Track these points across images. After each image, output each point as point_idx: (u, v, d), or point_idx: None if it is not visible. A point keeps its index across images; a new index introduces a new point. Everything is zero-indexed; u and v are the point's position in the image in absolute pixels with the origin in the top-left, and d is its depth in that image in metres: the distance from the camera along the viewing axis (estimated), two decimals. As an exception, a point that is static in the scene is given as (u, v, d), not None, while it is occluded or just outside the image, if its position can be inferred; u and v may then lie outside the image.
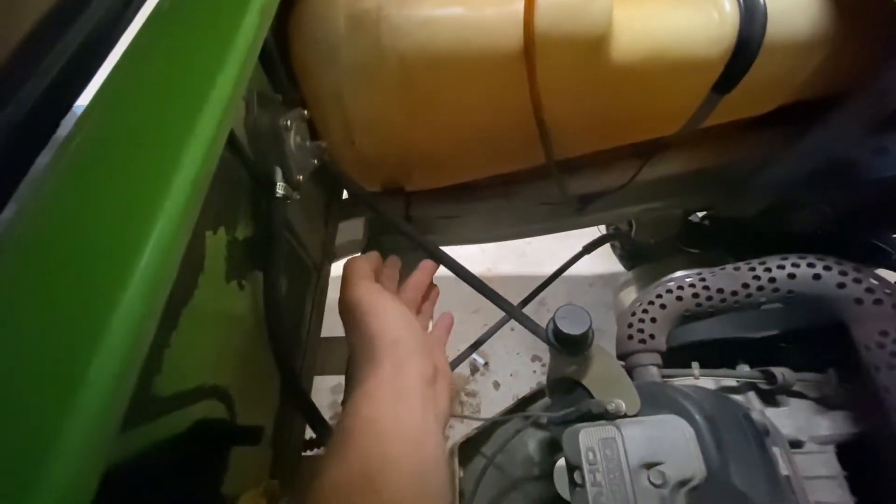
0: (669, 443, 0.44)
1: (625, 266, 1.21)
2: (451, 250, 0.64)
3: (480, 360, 1.39)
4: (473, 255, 1.62)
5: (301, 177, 0.48)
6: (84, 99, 0.32)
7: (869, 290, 0.49)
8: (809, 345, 0.65)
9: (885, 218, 0.81)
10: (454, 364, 0.83)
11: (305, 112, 0.50)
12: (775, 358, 0.64)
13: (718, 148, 0.72)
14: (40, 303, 0.22)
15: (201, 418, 0.36)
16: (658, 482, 0.42)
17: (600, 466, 0.45)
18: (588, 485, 0.44)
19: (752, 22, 0.50)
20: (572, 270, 0.94)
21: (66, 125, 0.33)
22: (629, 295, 0.88)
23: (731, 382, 0.63)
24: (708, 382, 0.64)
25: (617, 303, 0.90)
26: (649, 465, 0.43)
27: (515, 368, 1.41)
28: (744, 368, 0.63)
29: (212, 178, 0.29)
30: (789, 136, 0.67)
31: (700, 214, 1.00)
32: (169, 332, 0.35)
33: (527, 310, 0.85)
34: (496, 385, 1.38)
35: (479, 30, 0.48)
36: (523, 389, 1.43)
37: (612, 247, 1.21)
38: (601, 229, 1.06)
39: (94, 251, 0.23)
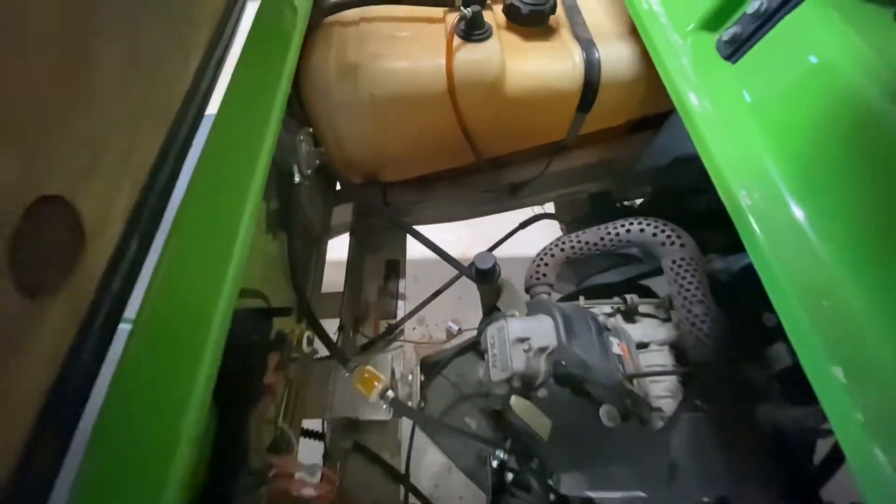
0: (536, 327, 0.73)
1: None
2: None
3: (455, 327, 1.67)
4: (451, 241, 1.91)
5: (309, 171, 0.77)
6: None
7: (668, 236, 0.78)
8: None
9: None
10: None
11: (311, 129, 0.79)
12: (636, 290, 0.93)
13: (603, 149, 1.00)
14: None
15: (259, 304, 0.64)
16: (526, 348, 0.70)
17: (495, 342, 0.73)
18: (489, 356, 0.73)
19: (591, 68, 0.78)
20: (527, 249, 1.21)
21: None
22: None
23: (607, 308, 0.91)
24: (594, 309, 0.92)
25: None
26: (522, 340, 0.72)
27: (484, 333, 1.69)
28: (614, 299, 0.91)
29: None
30: (648, 138, 0.97)
31: (638, 202, 1.28)
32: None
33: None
34: (468, 347, 1.66)
35: (418, 76, 0.77)
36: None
37: (560, 225, 1.50)
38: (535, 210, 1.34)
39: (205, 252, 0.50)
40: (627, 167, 1.03)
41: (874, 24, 0.51)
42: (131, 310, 0.46)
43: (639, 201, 1.29)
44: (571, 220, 1.33)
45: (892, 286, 0.40)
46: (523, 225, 1.17)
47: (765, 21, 0.58)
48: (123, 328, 0.44)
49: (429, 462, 1.64)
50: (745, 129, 0.55)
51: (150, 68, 0.47)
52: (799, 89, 0.52)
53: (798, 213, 0.47)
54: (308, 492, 0.48)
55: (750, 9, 0.59)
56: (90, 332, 0.38)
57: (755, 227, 0.48)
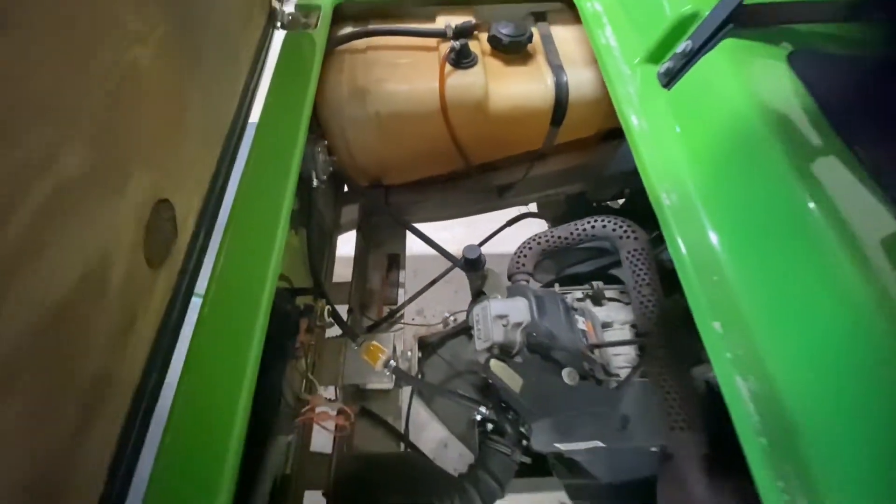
0: (514, 306, 0.88)
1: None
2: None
3: (450, 316, 1.82)
4: (447, 239, 2.06)
5: (324, 176, 0.92)
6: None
7: (625, 230, 0.93)
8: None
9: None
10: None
11: (325, 141, 0.94)
12: (608, 279, 1.08)
13: (576, 156, 1.16)
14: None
15: (286, 285, 0.79)
16: (504, 323, 0.86)
17: (480, 319, 0.88)
18: (475, 330, 0.88)
19: (561, 89, 0.94)
20: (514, 245, 1.37)
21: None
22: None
23: (578, 294, 1.06)
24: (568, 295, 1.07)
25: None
26: (502, 316, 0.87)
27: (477, 323, 1.84)
28: (584, 286, 1.06)
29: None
30: (615, 147, 1.12)
31: (621, 202, 1.43)
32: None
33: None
34: (462, 334, 1.81)
35: (416, 97, 0.92)
36: (484, 339, 1.86)
37: (548, 224, 1.65)
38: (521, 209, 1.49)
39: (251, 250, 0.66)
40: (599, 171, 1.18)
41: (770, 66, 0.66)
42: (199, 286, 0.61)
43: (621, 201, 1.45)
44: (552, 218, 1.49)
45: (758, 266, 0.55)
46: (510, 223, 1.32)
47: (690, 58, 0.73)
48: (195, 300, 0.59)
49: (425, 439, 1.79)
50: (669, 145, 0.70)
51: (214, 97, 0.62)
52: (708, 117, 0.67)
53: (701, 211, 0.62)
54: (329, 422, 0.63)
55: (679, 49, 0.74)
56: (178, 298, 0.54)
57: (671, 220, 0.64)
